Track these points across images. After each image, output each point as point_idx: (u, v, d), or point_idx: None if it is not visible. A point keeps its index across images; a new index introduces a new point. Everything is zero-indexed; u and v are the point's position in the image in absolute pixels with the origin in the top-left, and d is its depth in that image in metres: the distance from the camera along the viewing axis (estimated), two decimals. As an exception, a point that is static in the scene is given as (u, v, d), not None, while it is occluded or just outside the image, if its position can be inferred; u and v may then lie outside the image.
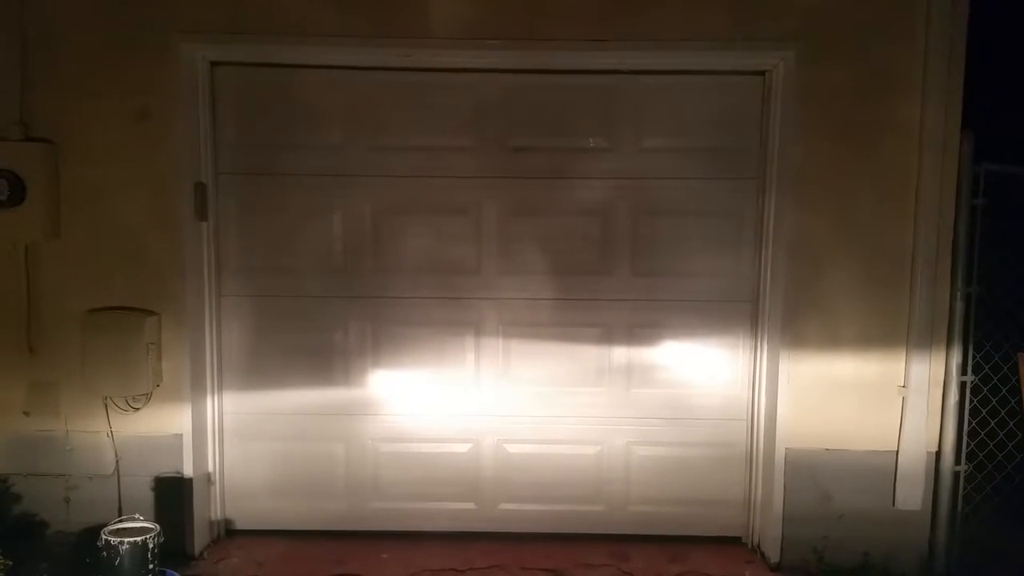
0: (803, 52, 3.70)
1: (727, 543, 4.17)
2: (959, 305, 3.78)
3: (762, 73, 3.90)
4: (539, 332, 4.11)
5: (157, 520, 3.58)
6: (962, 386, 3.82)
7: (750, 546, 4.14)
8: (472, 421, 4.17)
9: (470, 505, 4.22)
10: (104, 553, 3.34)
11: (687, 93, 3.97)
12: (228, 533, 4.17)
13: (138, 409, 3.86)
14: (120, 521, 3.50)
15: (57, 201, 3.76)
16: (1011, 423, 3.85)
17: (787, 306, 3.85)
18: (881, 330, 3.84)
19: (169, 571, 3.51)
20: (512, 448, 4.19)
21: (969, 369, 3.82)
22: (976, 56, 3.72)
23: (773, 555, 3.95)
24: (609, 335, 4.12)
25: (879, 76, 3.73)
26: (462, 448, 4.19)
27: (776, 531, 3.94)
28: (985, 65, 3.86)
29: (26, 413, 3.88)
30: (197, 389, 3.93)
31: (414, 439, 4.17)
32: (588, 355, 4.13)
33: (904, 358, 3.83)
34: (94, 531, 3.46)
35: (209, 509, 4.08)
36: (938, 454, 3.86)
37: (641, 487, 4.20)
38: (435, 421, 4.16)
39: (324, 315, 4.09)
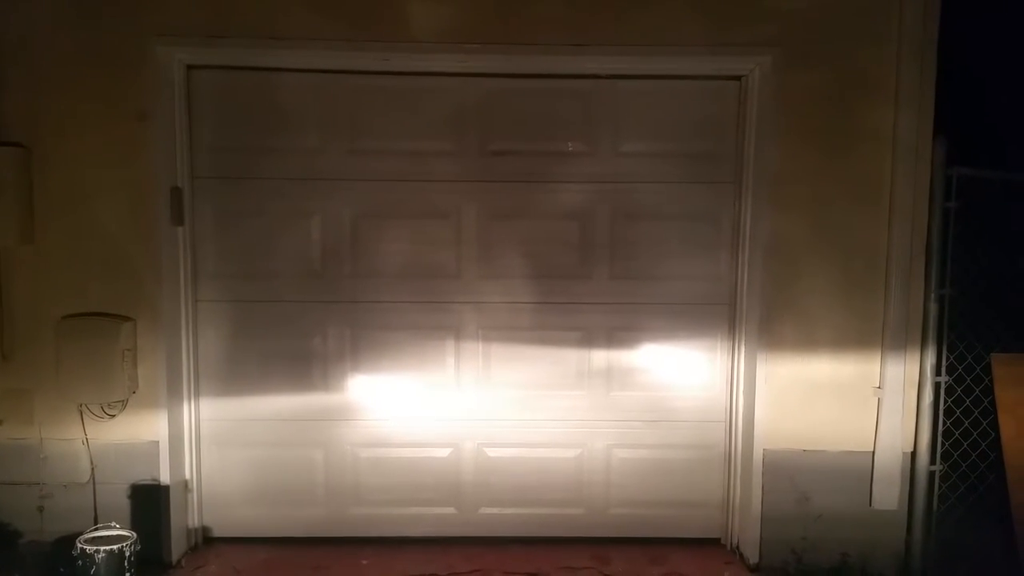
0: (779, 58, 3.74)
1: (707, 544, 4.20)
2: (933, 307, 3.83)
3: (738, 78, 3.94)
4: (519, 336, 4.12)
5: (133, 528, 3.57)
6: (936, 387, 3.87)
7: (729, 547, 4.16)
8: (452, 425, 4.16)
9: (451, 510, 4.21)
10: (79, 562, 3.32)
11: (665, 98, 4.00)
12: (206, 541, 4.13)
13: (114, 416, 3.82)
14: (96, 529, 3.48)
15: (30, 206, 3.71)
16: (984, 423, 3.92)
17: (764, 308, 3.88)
18: (857, 332, 3.88)
19: (146, 579, 3.48)
20: (492, 452, 4.19)
21: (943, 370, 3.87)
22: (948, 62, 3.78)
23: (752, 556, 3.98)
24: (589, 338, 4.13)
25: (853, 81, 3.78)
26: (442, 452, 4.18)
27: (755, 532, 3.97)
28: (957, 71, 3.93)
29: (-2, 421, 3.83)
30: (174, 395, 3.89)
31: (394, 444, 4.16)
32: (568, 358, 4.14)
33: (879, 359, 3.87)
34: (69, 540, 3.44)
35: (186, 517, 4.03)
36: (914, 454, 3.91)
37: (621, 490, 4.21)
38: (415, 426, 4.15)
39: (302, 320, 4.07)
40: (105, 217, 3.76)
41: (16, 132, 3.68)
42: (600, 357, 4.14)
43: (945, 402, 3.89)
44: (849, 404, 3.91)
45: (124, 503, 3.86)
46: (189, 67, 3.85)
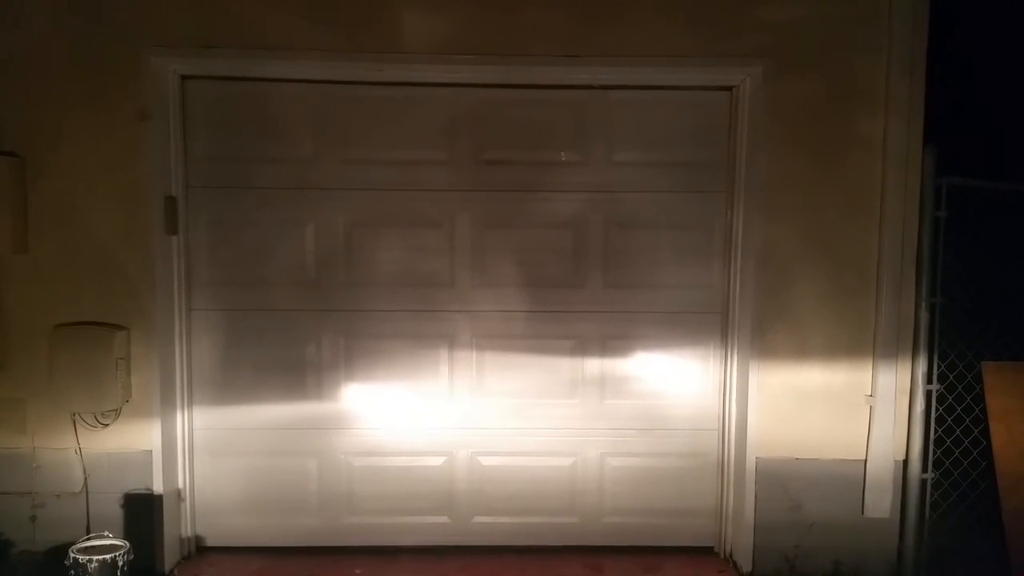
0: (769, 68, 3.77)
1: (700, 553, 4.20)
2: (924, 315, 3.85)
3: (729, 88, 3.96)
4: (513, 344, 4.13)
5: (127, 537, 3.56)
6: (928, 395, 3.89)
7: (723, 556, 4.17)
8: (446, 434, 4.16)
9: (444, 519, 4.21)
10: (72, 572, 3.31)
11: (657, 108, 4.02)
12: (199, 550, 4.12)
13: (107, 425, 3.81)
14: (88, 539, 3.47)
15: (24, 215, 3.72)
16: (975, 431, 3.94)
17: (756, 317, 3.90)
18: (848, 340, 3.90)
19: (138, 589, 3.47)
20: (486, 461, 4.19)
21: (934, 378, 3.89)
22: (938, 72, 3.81)
23: (745, 564, 3.98)
24: (582, 347, 4.14)
25: (844, 91, 3.81)
26: (436, 461, 4.19)
27: (748, 540, 3.98)
28: (947, 80, 3.96)
29: (-9, 430, 3.82)
30: (167, 404, 3.90)
31: (388, 453, 4.16)
32: (561, 367, 4.15)
33: (871, 367, 3.89)
34: (61, 550, 3.44)
35: (179, 526, 4.03)
36: (905, 462, 3.92)
37: (615, 498, 4.22)
38: (409, 434, 4.15)
39: (296, 329, 4.08)
40: (99, 226, 3.76)
41: (10, 142, 3.69)
42: (593, 365, 4.15)
43: (936, 410, 3.91)
44: (841, 412, 3.92)
45: (117, 512, 3.85)
46: (183, 77, 3.86)
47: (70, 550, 3.37)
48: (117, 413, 3.80)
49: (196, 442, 4.09)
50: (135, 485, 3.86)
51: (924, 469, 3.91)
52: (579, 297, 4.11)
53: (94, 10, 3.67)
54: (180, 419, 4.00)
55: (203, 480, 4.11)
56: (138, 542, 3.57)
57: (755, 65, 3.78)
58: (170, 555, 3.93)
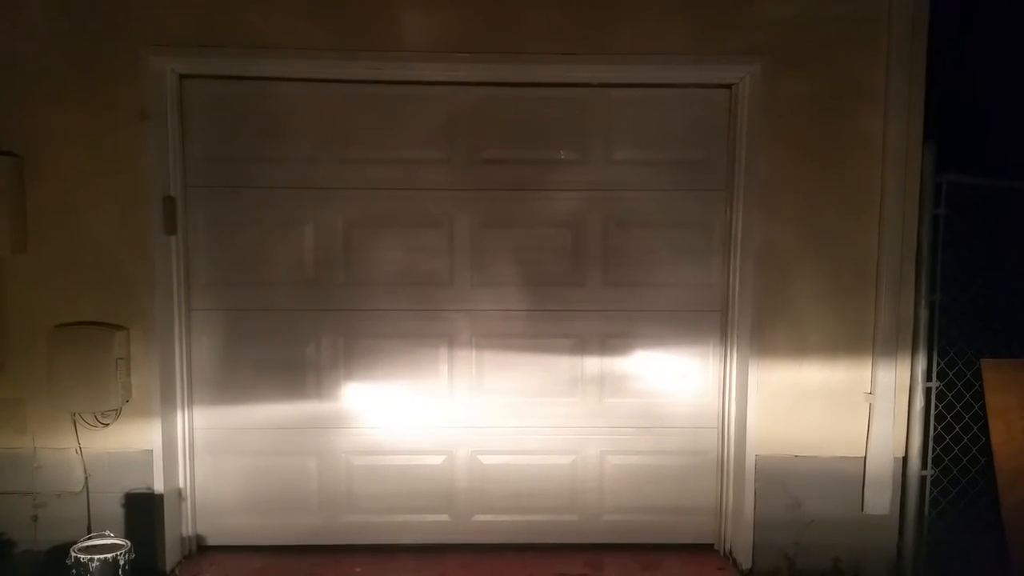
0: (768, 66, 3.77)
1: (700, 550, 4.21)
2: (923, 312, 3.85)
3: (729, 86, 3.96)
4: (512, 343, 4.13)
5: (128, 537, 3.58)
6: (927, 392, 3.89)
7: (722, 553, 4.17)
8: (446, 433, 4.17)
9: (444, 517, 4.22)
10: (73, 571, 3.33)
11: (656, 106, 4.01)
12: (200, 549, 4.13)
13: (107, 425, 3.82)
14: (90, 538, 3.49)
15: (23, 215, 3.72)
16: (975, 428, 3.94)
17: (756, 315, 3.90)
18: (848, 338, 3.90)
19: (140, 588, 3.49)
20: (486, 459, 4.20)
21: (934, 375, 3.89)
22: (938, 70, 3.81)
23: (745, 561, 3.99)
24: (582, 345, 4.14)
25: (843, 89, 3.81)
26: (436, 460, 4.19)
27: (747, 538, 3.98)
28: (946, 79, 3.96)
29: (-9, 431, 3.83)
30: (167, 404, 3.90)
31: (387, 452, 4.16)
32: (561, 366, 4.15)
33: (870, 365, 3.89)
34: (63, 549, 3.45)
35: (180, 525, 4.04)
36: (905, 459, 3.93)
37: (615, 496, 4.22)
38: (409, 433, 4.16)
39: (296, 328, 4.08)
40: (98, 226, 3.76)
41: (9, 141, 3.69)
42: (593, 364, 4.15)
43: (936, 407, 3.91)
44: (841, 409, 3.93)
45: (118, 512, 3.86)
46: (182, 76, 3.85)
47: (71, 549, 3.38)
48: (117, 413, 3.81)
49: (196, 441, 4.09)
50: (136, 484, 3.87)
51: (923, 466, 3.92)
52: (578, 296, 4.11)
53: (92, 9, 3.67)
54: (180, 419, 4.00)
55: (204, 479, 4.12)
56: (139, 541, 3.58)
57: (754, 63, 3.77)
58: (171, 554, 3.94)
